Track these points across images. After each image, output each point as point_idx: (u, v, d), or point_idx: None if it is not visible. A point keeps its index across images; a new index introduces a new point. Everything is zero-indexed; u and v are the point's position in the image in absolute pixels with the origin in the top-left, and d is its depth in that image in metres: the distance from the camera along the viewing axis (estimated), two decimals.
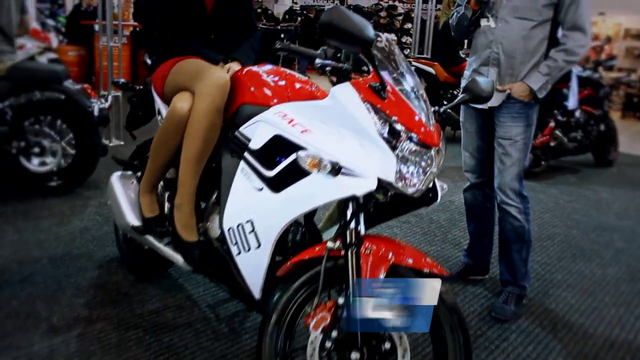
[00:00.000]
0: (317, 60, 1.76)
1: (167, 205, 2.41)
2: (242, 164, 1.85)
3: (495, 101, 2.64)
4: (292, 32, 15.60)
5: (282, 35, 15.74)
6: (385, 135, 1.60)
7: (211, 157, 2.16)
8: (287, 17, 17.80)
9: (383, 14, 15.92)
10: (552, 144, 5.66)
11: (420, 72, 6.94)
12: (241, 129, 1.94)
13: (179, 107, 2.12)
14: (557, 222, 4.33)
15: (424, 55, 8.98)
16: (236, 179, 1.87)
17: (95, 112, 3.89)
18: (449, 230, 3.91)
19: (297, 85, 2.01)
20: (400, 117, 1.62)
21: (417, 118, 1.64)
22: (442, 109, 1.83)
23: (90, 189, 4.18)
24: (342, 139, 1.64)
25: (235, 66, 2.26)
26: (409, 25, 14.11)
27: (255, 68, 2.16)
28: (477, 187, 2.96)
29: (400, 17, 15.17)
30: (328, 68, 1.74)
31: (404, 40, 14.30)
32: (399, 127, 1.61)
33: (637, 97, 12.24)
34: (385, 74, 1.72)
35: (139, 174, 2.62)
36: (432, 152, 1.66)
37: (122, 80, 2.97)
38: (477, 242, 3.09)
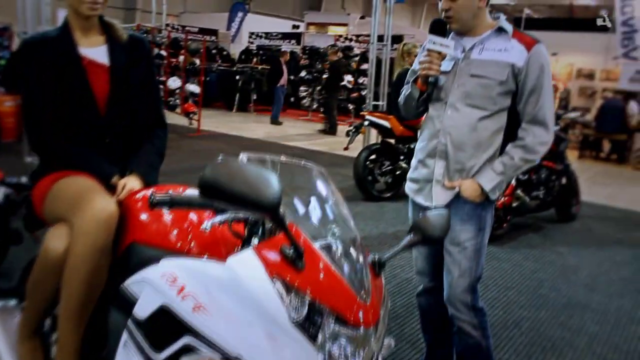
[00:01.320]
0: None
1: (53, 350, 1.94)
2: (125, 335, 1.41)
3: (441, 200, 2.27)
4: (248, 73, 15.26)
5: (238, 77, 15.38)
6: (301, 321, 1.18)
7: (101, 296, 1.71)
8: (243, 57, 17.49)
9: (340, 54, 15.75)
10: (514, 204, 5.37)
11: (375, 126, 6.63)
12: (127, 282, 1.50)
13: (52, 247, 1.67)
14: (524, 300, 3.98)
15: (379, 103, 8.75)
16: (118, 354, 1.42)
17: (0, 199, 3.37)
18: (405, 321, 3.50)
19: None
20: (322, 293, 1.20)
21: (345, 291, 1.23)
22: (383, 258, 1.42)
23: (2, 280, 3.63)
24: (246, 325, 1.21)
25: (133, 182, 1.82)
26: (365, 66, 13.94)
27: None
28: (430, 291, 2.55)
29: (357, 58, 15.03)
30: (229, 219, 1.31)
31: (360, 81, 14.12)
32: (320, 308, 1.19)
33: (593, 136, 12.28)
34: (304, 219, 1.33)
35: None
36: (370, 329, 1.26)
37: (14, 179, 2.48)
38: (434, 354, 2.67)
